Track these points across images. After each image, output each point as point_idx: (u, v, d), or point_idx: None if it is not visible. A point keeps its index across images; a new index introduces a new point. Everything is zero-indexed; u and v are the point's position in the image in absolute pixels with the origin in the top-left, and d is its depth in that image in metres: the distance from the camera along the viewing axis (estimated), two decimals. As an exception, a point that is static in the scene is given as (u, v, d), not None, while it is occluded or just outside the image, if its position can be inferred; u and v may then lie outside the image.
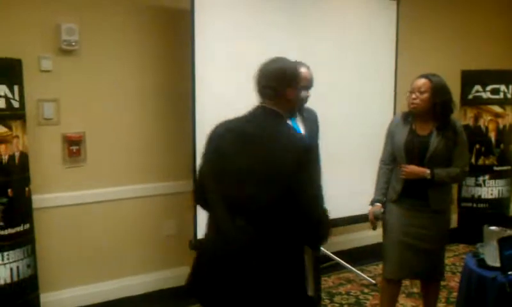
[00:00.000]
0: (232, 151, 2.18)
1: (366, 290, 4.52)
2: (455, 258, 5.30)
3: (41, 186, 3.88)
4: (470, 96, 5.88)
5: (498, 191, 5.84)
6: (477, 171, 5.81)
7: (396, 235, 3.39)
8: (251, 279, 2.10)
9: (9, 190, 3.44)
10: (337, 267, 4.86)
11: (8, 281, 3.43)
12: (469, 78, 5.89)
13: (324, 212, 2.17)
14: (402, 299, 4.24)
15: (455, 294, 3.84)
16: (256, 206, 2.10)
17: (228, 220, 2.16)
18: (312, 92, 3.28)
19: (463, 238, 5.62)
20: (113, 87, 4.21)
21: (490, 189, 5.82)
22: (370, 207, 3.52)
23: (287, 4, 4.47)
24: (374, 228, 3.50)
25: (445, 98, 3.29)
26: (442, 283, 4.54)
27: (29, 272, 3.56)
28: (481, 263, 3.02)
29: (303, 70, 2.89)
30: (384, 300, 3.60)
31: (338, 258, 4.84)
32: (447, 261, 5.13)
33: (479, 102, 5.86)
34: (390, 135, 3.49)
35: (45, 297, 3.90)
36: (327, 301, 4.29)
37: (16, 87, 3.49)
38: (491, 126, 5.86)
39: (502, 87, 5.83)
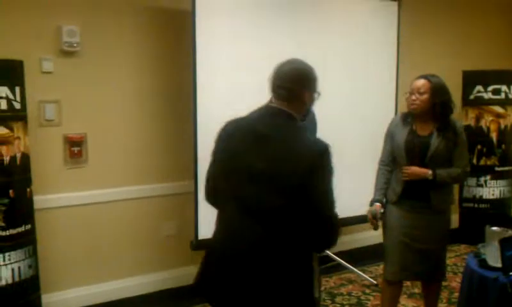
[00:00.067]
0: (243, 150, 2.15)
1: (367, 291, 4.52)
2: (456, 258, 5.30)
3: (43, 187, 3.89)
4: (472, 97, 5.88)
5: (500, 191, 5.83)
6: (478, 171, 5.81)
7: (396, 236, 3.39)
8: (260, 280, 2.09)
9: (10, 191, 3.44)
10: (338, 268, 4.86)
11: (10, 281, 3.43)
12: (470, 79, 5.88)
13: (334, 215, 2.13)
14: (403, 300, 4.24)
15: (456, 294, 3.84)
16: (266, 206, 2.08)
17: (238, 219, 2.14)
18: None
19: (465, 238, 5.62)
20: (114, 88, 4.22)
21: (492, 189, 5.81)
22: (369, 208, 3.51)
23: (288, 6, 4.47)
24: (376, 228, 3.48)
25: (444, 98, 3.29)
26: (443, 284, 4.53)
27: (30, 272, 3.56)
28: (483, 263, 3.01)
29: None
30: (385, 302, 3.59)
31: (339, 259, 4.84)
32: (448, 261, 5.12)
33: (480, 103, 5.86)
34: (390, 136, 3.49)
35: (46, 298, 3.90)
36: (328, 302, 4.29)
37: (17, 89, 3.49)
38: (493, 127, 5.86)
39: (504, 88, 5.82)
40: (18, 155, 3.50)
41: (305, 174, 2.02)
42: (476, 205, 5.84)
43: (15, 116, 3.48)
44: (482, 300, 2.89)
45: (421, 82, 3.30)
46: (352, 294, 4.46)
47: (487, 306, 2.86)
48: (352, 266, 4.84)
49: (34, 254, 3.62)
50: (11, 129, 3.45)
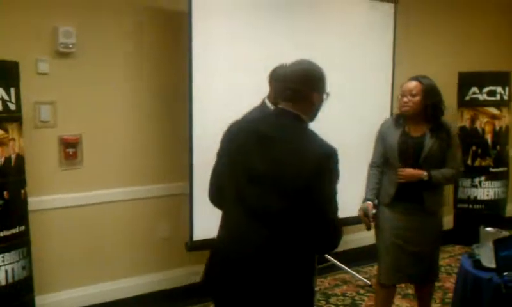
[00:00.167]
0: (246, 151, 2.13)
1: (362, 291, 4.53)
2: (451, 259, 5.31)
3: (38, 188, 3.88)
4: (467, 98, 5.91)
5: (494, 192, 5.85)
6: (473, 172, 5.84)
7: (389, 239, 3.39)
8: (265, 281, 2.08)
9: (5, 193, 3.42)
10: (333, 268, 4.87)
11: (3, 283, 3.41)
12: (466, 80, 5.91)
13: (337, 219, 2.12)
14: (397, 300, 4.25)
15: (450, 295, 3.85)
16: (270, 209, 2.06)
17: (244, 222, 2.13)
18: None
19: (459, 239, 5.64)
20: (110, 89, 4.22)
21: (486, 190, 5.83)
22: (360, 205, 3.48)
23: (285, 7, 4.48)
24: (369, 228, 3.45)
25: (436, 100, 3.30)
26: (437, 284, 4.55)
27: (24, 274, 3.55)
28: (477, 264, 3.02)
29: None
30: (378, 304, 3.59)
31: (334, 259, 4.85)
32: (442, 262, 5.16)
33: (475, 104, 5.88)
34: (381, 137, 3.49)
35: (41, 299, 3.90)
36: (323, 302, 4.30)
37: (12, 90, 3.48)
38: (488, 128, 5.88)
39: (499, 89, 5.85)
40: (13, 156, 3.49)
41: (310, 176, 2.00)
42: (471, 206, 5.87)
43: (9, 117, 3.47)
44: (476, 300, 2.90)
45: (413, 84, 3.31)
46: (347, 295, 4.47)
47: (481, 306, 2.87)
48: (347, 267, 4.85)
49: (28, 256, 3.61)
50: (6, 130, 3.44)
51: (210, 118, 4.14)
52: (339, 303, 4.31)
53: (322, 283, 4.64)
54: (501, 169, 5.91)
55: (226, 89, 4.21)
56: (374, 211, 3.42)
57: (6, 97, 3.43)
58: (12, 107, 3.48)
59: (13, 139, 3.49)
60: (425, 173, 3.27)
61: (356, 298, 4.41)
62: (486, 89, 5.85)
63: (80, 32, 4.01)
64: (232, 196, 2.19)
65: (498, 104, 5.88)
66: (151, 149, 4.43)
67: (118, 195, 4.30)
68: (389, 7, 5.17)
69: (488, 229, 3.11)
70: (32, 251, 3.68)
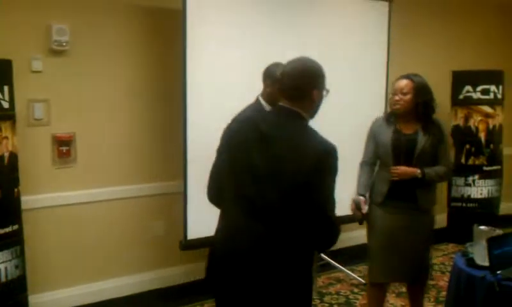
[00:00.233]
0: (248, 149, 2.13)
1: (356, 290, 4.53)
2: (444, 257, 5.33)
3: (31, 187, 3.86)
4: (461, 97, 5.93)
5: (488, 191, 5.87)
6: (466, 170, 5.86)
7: (381, 239, 3.38)
8: (259, 278, 2.09)
9: (-2, 191, 3.42)
10: (327, 267, 4.87)
11: (-4, 282, 3.41)
12: (460, 79, 5.93)
13: (335, 216, 2.12)
14: (391, 299, 4.27)
15: (444, 293, 3.86)
16: (268, 205, 2.07)
17: (240, 218, 2.14)
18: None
19: (453, 237, 5.66)
20: (104, 87, 4.20)
21: (480, 189, 5.85)
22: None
23: (280, 6, 4.47)
24: (360, 221, 3.40)
25: (427, 98, 3.31)
26: (431, 282, 4.58)
27: (17, 273, 3.54)
28: (470, 262, 3.02)
29: None
30: (371, 303, 3.59)
31: (328, 258, 4.85)
32: (436, 260, 5.19)
33: (469, 102, 5.90)
34: (373, 135, 3.48)
35: (34, 298, 3.88)
36: (317, 301, 4.30)
37: (6, 88, 3.47)
38: (481, 127, 5.90)
39: (492, 88, 5.87)
40: (6, 155, 3.47)
41: (310, 173, 2.01)
42: (464, 204, 5.88)
43: (3, 116, 3.46)
44: (470, 299, 2.90)
45: (404, 82, 3.32)
46: (341, 293, 4.48)
47: (474, 304, 2.88)
48: (341, 265, 4.86)
49: (21, 255, 3.59)
50: (-1, 128, 3.43)
51: (204, 117, 4.13)
52: (333, 302, 4.31)
53: (317, 282, 4.64)
54: (494, 168, 5.93)
55: (221, 87, 4.20)
56: (366, 206, 3.39)
57: (-1, 95, 3.41)
58: (5, 105, 3.47)
59: (6, 138, 3.47)
60: (418, 171, 3.27)
61: (351, 296, 4.42)
62: (479, 88, 5.86)
63: (74, 30, 3.99)
64: (231, 193, 2.19)
65: (492, 103, 5.90)
66: (145, 147, 4.42)
67: (112, 193, 4.28)
68: (383, 7, 5.18)
69: (482, 227, 3.11)
70: (26, 249, 3.67)
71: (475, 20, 6.49)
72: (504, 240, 2.96)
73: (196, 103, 4.10)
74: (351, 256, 5.12)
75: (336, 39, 4.79)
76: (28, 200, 3.80)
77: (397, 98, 3.31)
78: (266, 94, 3.27)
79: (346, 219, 4.69)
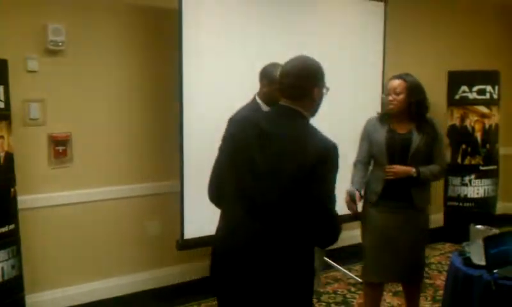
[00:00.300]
0: (249, 148, 2.14)
1: (353, 289, 4.53)
2: (441, 256, 5.34)
3: (27, 187, 3.86)
4: (457, 97, 5.94)
5: (484, 190, 5.88)
6: (463, 170, 5.87)
7: (376, 238, 3.38)
8: (258, 276, 2.10)
9: (-6, 191, 3.41)
10: (324, 266, 4.86)
11: (-7, 282, 3.40)
12: (456, 79, 5.94)
13: (336, 212, 2.13)
14: (388, 298, 4.27)
15: (441, 292, 3.86)
16: (270, 202, 2.07)
17: (239, 215, 2.15)
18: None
19: (449, 237, 5.68)
20: (99, 87, 4.20)
21: (476, 188, 5.86)
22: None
23: (276, 5, 4.48)
24: (355, 214, 3.38)
25: (420, 97, 3.31)
26: (428, 281, 4.59)
27: (13, 272, 3.53)
28: (467, 261, 3.03)
29: None
30: (367, 303, 3.59)
31: (325, 258, 4.85)
32: (433, 259, 5.20)
33: (465, 103, 5.91)
34: (367, 135, 3.47)
35: (31, 298, 3.87)
36: (314, 300, 4.29)
37: (1, 88, 3.45)
38: (478, 127, 5.91)
39: (488, 88, 5.88)
40: (2, 155, 3.46)
41: (310, 170, 2.01)
42: (461, 204, 5.89)
43: (-2, 115, 3.46)
44: (467, 297, 2.91)
45: (396, 82, 3.32)
46: (338, 292, 4.48)
47: (471, 303, 2.88)
48: (338, 265, 4.86)
49: (18, 255, 3.58)
50: (-5, 128, 3.42)
51: (201, 117, 4.13)
52: (330, 301, 4.31)
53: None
54: (491, 167, 5.95)
55: (217, 87, 4.20)
56: (360, 204, 3.36)
57: (-5, 95, 3.40)
58: (1, 105, 3.46)
59: (2, 137, 3.46)
60: (413, 170, 3.27)
61: (348, 296, 4.42)
62: (475, 88, 5.88)
63: (69, 30, 3.99)
64: (232, 192, 2.20)
65: (488, 103, 5.91)
66: (141, 147, 4.41)
67: (108, 193, 4.28)
68: (379, 7, 5.18)
69: (478, 227, 3.12)
70: (22, 249, 3.66)
71: (471, 21, 6.51)
72: (500, 239, 2.97)
73: (192, 103, 4.09)
74: (348, 255, 5.12)
75: (332, 40, 4.79)
76: (24, 200, 3.79)
77: (390, 98, 3.32)
78: (263, 94, 3.27)
79: (345, 218, 4.73)
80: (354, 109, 4.85)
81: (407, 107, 3.29)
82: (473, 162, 5.88)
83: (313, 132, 2.13)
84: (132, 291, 4.41)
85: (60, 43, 3.95)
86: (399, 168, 3.29)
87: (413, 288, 3.58)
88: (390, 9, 5.26)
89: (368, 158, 3.49)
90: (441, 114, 5.81)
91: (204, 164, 4.03)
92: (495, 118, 5.96)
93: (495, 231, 3.07)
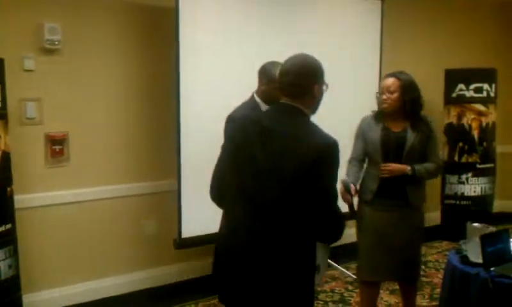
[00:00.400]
0: (251, 147, 2.15)
1: (350, 287, 4.54)
2: (438, 254, 5.34)
3: (24, 186, 3.85)
4: (454, 95, 5.94)
5: (481, 188, 5.89)
6: (460, 168, 5.88)
7: (371, 238, 3.37)
8: (258, 275, 2.11)
9: (-9, 190, 3.41)
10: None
11: (-10, 281, 3.40)
12: (453, 77, 5.94)
13: (338, 208, 2.15)
14: (386, 296, 4.28)
15: (438, 290, 3.87)
16: (270, 200, 2.09)
17: (239, 215, 2.16)
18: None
19: (446, 235, 5.68)
20: (96, 86, 4.19)
21: (473, 187, 5.87)
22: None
23: (273, 3, 4.48)
24: (351, 206, 3.28)
25: (414, 95, 3.30)
26: (426, 280, 4.60)
27: (10, 272, 3.52)
28: (464, 259, 3.03)
29: None
30: (363, 301, 3.59)
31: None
32: (430, 258, 5.20)
33: (462, 101, 5.91)
34: (362, 133, 3.46)
35: (28, 297, 3.87)
36: (312, 299, 4.30)
37: (-2, 87, 3.45)
38: (475, 125, 5.92)
39: (485, 86, 5.89)
40: (-1, 154, 3.46)
41: (310, 167, 2.02)
42: (458, 202, 5.90)
43: (-5, 115, 3.45)
44: (464, 295, 2.91)
45: (390, 80, 3.31)
46: (336, 291, 4.48)
47: (468, 301, 2.89)
48: (336, 263, 4.86)
49: (14, 254, 3.58)
50: (-9, 127, 3.41)
51: (198, 115, 4.13)
52: (328, 299, 4.32)
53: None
54: (488, 166, 5.95)
55: (214, 86, 4.19)
56: (355, 197, 3.32)
57: (-9, 94, 3.40)
58: (-3, 104, 3.45)
59: (-1, 137, 3.46)
60: (408, 168, 3.27)
61: (345, 294, 4.42)
62: (472, 86, 5.88)
63: (66, 29, 3.98)
64: (233, 191, 2.21)
65: (485, 101, 5.92)
66: (138, 146, 4.40)
67: (106, 192, 4.27)
68: (376, 5, 5.19)
69: (475, 224, 3.12)
70: (19, 249, 3.65)
71: (468, 18, 6.51)
72: (497, 237, 2.97)
73: (189, 101, 4.09)
74: (345, 254, 5.11)
75: (329, 38, 4.79)
76: (21, 199, 3.78)
77: (384, 97, 3.31)
78: (261, 92, 3.28)
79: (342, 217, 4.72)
80: (351, 107, 4.83)
81: (401, 106, 3.29)
82: (470, 160, 5.89)
83: (314, 129, 2.14)
84: (130, 291, 4.41)
85: (56, 42, 3.94)
86: (394, 166, 3.29)
87: (409, 287, 3.57)
88: (387, 7, 5.26)
89: (363, 155, 3.48)
90: (438, 112, 5.82)
91: (201, 163, 4.06)
92: (491, 116, 5.96)
93: (492, 229, 3.07)
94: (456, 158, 5.88)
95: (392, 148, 3.31)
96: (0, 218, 3.47)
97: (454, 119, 5.94)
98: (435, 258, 5.23)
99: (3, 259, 3.47)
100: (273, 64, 3.12)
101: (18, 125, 3.85)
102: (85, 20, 4.09)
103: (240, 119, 2.31)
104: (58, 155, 4.05)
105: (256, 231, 2.11)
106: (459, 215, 5.55)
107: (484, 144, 5.92)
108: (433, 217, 5.89)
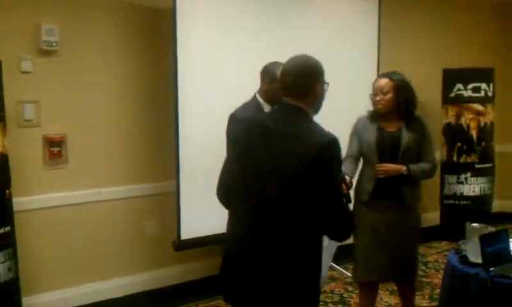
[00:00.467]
0: (251, 146, 2.17)
1: (350, 288, 4.53)
2: (438, 255, 5.34)
3: (22, 188, 3.84)
4: (452, 95, 5.94)
5: (480, 188, 5.89)
6: (458, 168, 5.88)
7: (367, 238, 3.35)
8: (261, 275, 2.12)
9: (-11, 193, 3.39)
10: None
11: (-11, 284, 3.38)
12: (450, 77, 5.94)
13: (344, 204, 2.17)
14: (385, 296, 4.27)
15: (438, 291, 3.86)
16: (267, 202, 2.10)
17: (243, 216, 2.18)
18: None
19: (446, 235, 5.68)
20: (94, 88, 4.18)
21: (472, 186, 5.87)
22: None
23: (271, 4, 4.47)
24: (347, 197, 3.33)
25: (408, 95, 3.30)
26: (425, 280, 4.60)
27: (10, 275, 3.51)
28: (463, 259, 3.03)
29: None
30: (362, 302, 3.58)
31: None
32: (429, 258, 5.20)
33: (460, 100, 5.92)
34: (357, 133, 3.45)
35: (28, 300, 3.86)
36: (311, 300, 4.29)
37: (-5, 89, 3.45)
38: (473, 124, 5.92)
39: (483, 86, 5.89)
40: (-3, 156, 3.45)
41: (311, 164, 2.03)
42: (457, 202, 5.90)
43: (-7, 117, 3.44)
44: (464, 295, 2.91)
45: (383, 81, 3.31)
46: (335, 292, 4.48)
47: (468, 301, 2.89)
48: (335, 264, 4.85)
49: (14, 257, 3.56)
50: (-11, 130, 3.40)
51: (196, 116, 4.13)
52: (328, 300, 4.31)
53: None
54: (486, 165, 5.95)
55: (212, 87, 4.19)
56: (351, 188, 3.28)
57: (-12, 96, 3.39)
58: (-5, 106, 3.44)
59: (-3, 139, 3.45)
60: (404, 168, 3.26)
61: (345, 295, 4.42)
62: (470, 86, 5.88)
63: (63, 30, 3.97)
64: (238, 192, 2.22)
65: (483, 100, 5.91)
66: (137, 147, 4.40)
67: (104, 194, 4.26)
68: (373, 5, 5.18)
69: (474, 225, 3.11)
70: (18, 251, 3.64)
71: (466, 18, 6.51)
72: (496, 237, 2.97)
73: (187, 103, 4.08)
74: (344, 254, 5.11)
75: (327, 38, 4.78)
76: (20, 202, 3.77)
77: (378, 98, 3.30)
78: (263, 92, 3.31)
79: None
80: (349, 106, 4.81)
81: (395, 106, 3.29)
82: (468, 160, 5.89)
83: (314, 127, 2.16)
84: (130, 293, 4.40)
85: (54, 44, 3.93)
86: (389, 166, 3.28)
87: (406, 287, 3.57)
88: (384, 6, 5.26)
89: (358, 154, 3.47)
90: (436, 112, 5.82)
91: (200, 164, 4.07)
92: (490, 115, 5.96)
93: (491, 229, 3.07)
94: (455, 158, 5.88)
95: (387, 148, 3.31)
96: (-1, 221, 3.46)
97: (452, 119, 5.94)
98: (435, 259, 5.23)
99: (2, 262, 3.46)
100: (275, 64, 3.14)
101: (16, 127, 3.84)
102: (83, 21, 4.08)
103: (244, 120, 2.32)
104: (56, 157, 4.04)
105: (258, 232, 2.12)
106: (459, 215, 5.54)
107: (483, 143, 5.92)
108: (432, 217, 5.89)
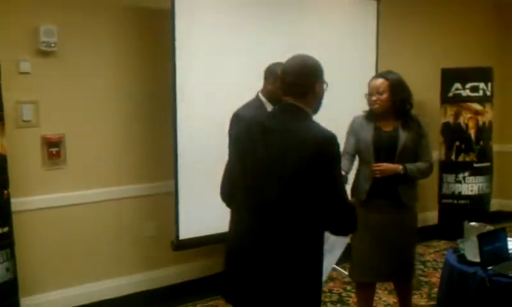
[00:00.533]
0: (251, 146, 2.20)
1: (348, 288, 4.53)
2: (436, 254, 5.35)
3: (21, 189, 3.84)
4: (450, 94, 5.94)
5: (478, 187, 5.90)
6: (457, 167, 5.89)
7: (364, 238, 3.33)
8: (262, 274, 2.13)
9: (-13, 194, 3.40)
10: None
11: (-13, 285, 3.38)
12: (449, 77, 5.94)
13: (347, 199, 2.17)
14: (384, 296, 4.28)
15: (436, 289, 3.87)
16: (266, 201, 2.11)
17: (244, 215, 2.20)
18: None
19: (444, 234, 5.68)
20: (93, 88, 4.18)
21: (470, 186, 5.88)
22: None
23: (269, 4, 4.47)
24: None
25: (404, 95, 3.30)
26: (424, 279, 4.60)
27: (8, 276, 3.51)
28: (462, 258, 3.03)
29: None
30: (359, 302, 3.58)
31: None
32: (428, 257, 5.21)
33: (458, 100, 5.92)
34: (353, 132, 3.44)
35: (26, 301, 3.86)
36: (310, 300, 4.29)
37: (-6, 90, 3.45)
38: (471, 124, 5.93)
39: (482, 85, 5.90)
40: (-5, 157, 3.45)
41: (310, 162, 2.04)
42: (455, 201, 5.90)
43: (-9, 117, 3.44)
44: (462, 294, 2.91)
45: (379, 81, 3.31)
46: (334, 291, 4.48)
47: (466, 300, 2.89)
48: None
49: (12, 258, 3.57)
50: (-12, 130, 3.40)
51: (195, 117, 4.13)
52: (326, 300, 4.31)
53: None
54: (485, 165, 5.96)
55: (210, 87, 4.19)
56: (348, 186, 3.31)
57: (-13, 97, 3.39)
58: (-6, 107, 3.44)
59: (-5, 139, 3.45)
60: (401, 167, 3.26)
61: (343, 294, 4.42)
62: (469, 85, 5.89)
63: (62, 31, 3.97)
64: (239, 191, 2.24)
65: (481, 100, 5.92)
66: (135, 148, 4.40)
67: (102, 195, 4.26)
68: (372, 5, 5.19)
69: (472, 223, 3.11)
70: (17, 252, 3.64)
71: (464, 18, 6.52)
72: (494, 236, 2.97)
73: (185, 104, 4.09)
74: (343, 254, 5.11)
75: (325, 39, 4.78)
76: (18, 202, 3.77)
77: (374, 98, 3.31)
78: (267, 92, 3.34)
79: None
80: (347, 107, 4.82)
81: (391, 105, 3.29)
82: (467, 159, 5.90)
83: (312, 125, 2.17)
84: (128, 293, 4.40)
85: (52, 44, 3.93)
86: (386, 166, 3.27)
87: (404, 286, 3.57)
88: (382, 7, 5.26)
89: (355, 151, 3.47)
90: (434, 112, 5.83)
91: (198, 164, 4.07)
92: (488, 115, 5.97)
93: (489, 228, 3.06)
94: (453, 157, 5.89)
95: (384, 148, 3.31)
96: (-3, 221, 3.46)
97: (450, 119, 5.95)
98: (433, 258, 5.23)
99: (0, 263, 3.46)
100: (278, 64, 3.16)
101: (15, 128, 3.84)
102: (81, 22, 4.08)
103: (245, 120, 2.33)
104: (55, 158, 4.04)
105: (258, 231, 2.13)
106: (457, 214, 5.54)
107: (481, 143, 5.93)
108: (430, 216, 5.90)
